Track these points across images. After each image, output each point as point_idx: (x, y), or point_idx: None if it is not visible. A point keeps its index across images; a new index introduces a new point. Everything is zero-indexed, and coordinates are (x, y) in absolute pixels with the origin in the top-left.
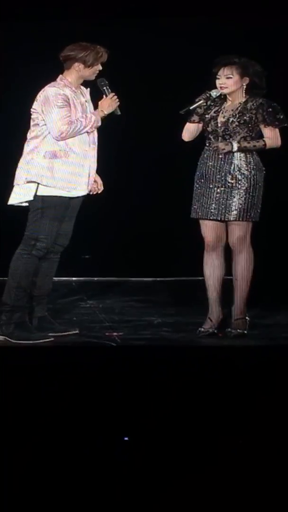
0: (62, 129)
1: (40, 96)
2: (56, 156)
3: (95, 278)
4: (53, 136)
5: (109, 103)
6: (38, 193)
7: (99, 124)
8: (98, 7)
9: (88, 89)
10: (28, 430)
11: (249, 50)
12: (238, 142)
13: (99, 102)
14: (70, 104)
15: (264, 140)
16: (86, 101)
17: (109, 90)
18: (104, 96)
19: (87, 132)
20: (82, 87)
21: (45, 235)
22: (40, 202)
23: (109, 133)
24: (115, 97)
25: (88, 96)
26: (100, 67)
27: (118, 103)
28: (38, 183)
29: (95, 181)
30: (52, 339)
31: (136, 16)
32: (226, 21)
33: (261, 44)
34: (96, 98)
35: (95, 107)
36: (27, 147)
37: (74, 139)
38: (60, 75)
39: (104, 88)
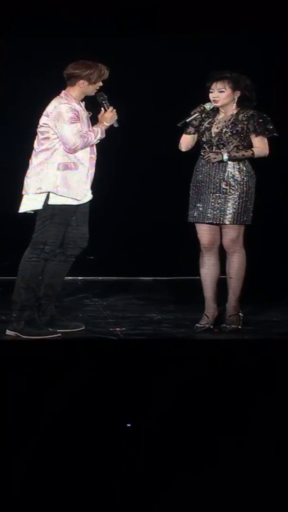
0: (77, 143)
1: (52, 112)
2: (68, 167)
3: (100, 278)
4: (67, 149)
5: (110, 116)
6: (49, 202)
7: (104, 136)
8: (95, 20)
9: (83, 102)
10: (36, 418)
11: (246, 62)
12: (228, 152)
13: (100, 116)
14: (80, 118)
15: (252, 150)
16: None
17: (108, 104)
18: (103, 109)
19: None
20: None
21: (53, 239)
22: (51, 210)
23: (111, 138)
24: (114, 110)
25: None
26: (101, 84)
27: (117, 116)
28: (49, 192)
29: None
30: (60, 334)
31: (135, 28)
32: (223, 34)
33: (257, 57)
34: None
35: (93, 121)
36: (35, 159)
37: (80, 151)
38: (64, 91)
39: (104, 102)
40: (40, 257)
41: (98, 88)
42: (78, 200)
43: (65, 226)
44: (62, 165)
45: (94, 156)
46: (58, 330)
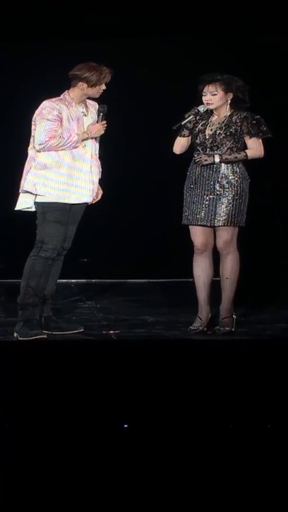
0: (43, 141)
1: (38, 108)
2: (47, 167)
3: (93, 280)
4: (34, 146)
5: (97, 129)
6: (36, 200)
7: (78, 145)
8: (94, 23)
9: (95, 103)
10: (30, 420)
11: (238, 64)
12: (221, 155)
13: (88, 126)
14: (63, 119)
15: (245, 152)
16: (84, 115)
17: (104, 118)
18: (97, 121)
19: (82, 145)
20: (88, 101)
21: (49, 237)
22: (41, 208)
23: (107, 144)
24: (105, 125)
25: (92, 110)
26: (104, 87)
27: (103, 132)
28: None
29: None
30: (45, 336)
31: (135, 33)
32: (216, 38)
33: (249, 59)
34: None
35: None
36: (27, 158)
37: (66, 151)
38: (66, 91)
39: (101, 114)
40: (38, 256)
41: (101, 91)
42: (63, 199)
43: (62, 223)
44: (41, 164)
45: (97, 157)
46: (55, 333)
